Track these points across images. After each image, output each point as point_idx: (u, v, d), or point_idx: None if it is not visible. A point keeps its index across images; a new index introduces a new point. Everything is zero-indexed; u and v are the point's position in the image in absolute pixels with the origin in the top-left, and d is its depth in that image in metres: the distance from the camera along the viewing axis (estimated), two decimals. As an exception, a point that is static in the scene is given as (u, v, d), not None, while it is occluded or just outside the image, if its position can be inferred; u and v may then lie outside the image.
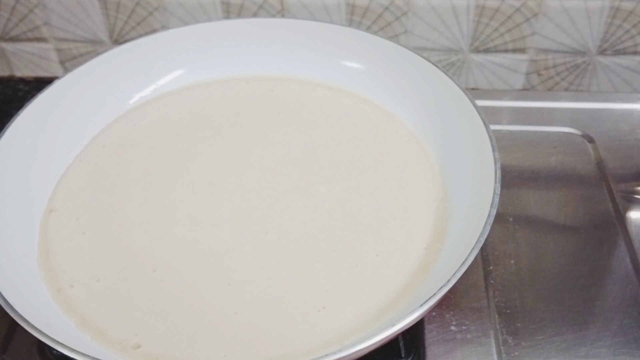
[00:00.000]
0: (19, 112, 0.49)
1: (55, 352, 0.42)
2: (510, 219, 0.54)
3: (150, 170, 0.51)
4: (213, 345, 0.40)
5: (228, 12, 0.67)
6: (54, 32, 0.70)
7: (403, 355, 0.45)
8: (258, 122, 0.55)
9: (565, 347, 0.45)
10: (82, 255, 0.45)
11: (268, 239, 0.46)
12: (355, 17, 0.67)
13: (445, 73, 0.52)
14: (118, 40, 0.70)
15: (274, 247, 0.45)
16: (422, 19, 0.66)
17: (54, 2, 0.67)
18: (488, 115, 0.48)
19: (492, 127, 0.47)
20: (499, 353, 0.45)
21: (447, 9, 0.65)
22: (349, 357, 0.36)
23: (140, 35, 0.62)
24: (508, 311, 0.47)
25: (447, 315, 0.47)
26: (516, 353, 0.45)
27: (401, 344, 0.45)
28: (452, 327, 0.46)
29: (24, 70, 0.74)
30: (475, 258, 0.39)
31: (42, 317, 0.39)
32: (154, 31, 0.67)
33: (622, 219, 0.53)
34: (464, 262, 0.38)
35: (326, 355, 0.35)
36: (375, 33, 0.64)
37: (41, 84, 0.53)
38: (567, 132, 0.61)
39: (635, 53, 0.67)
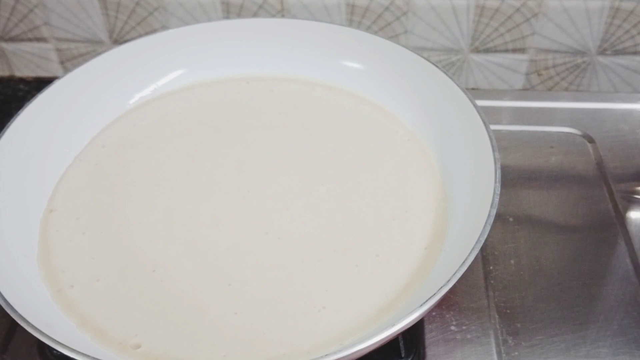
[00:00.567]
0: (19, 112, 0.49)
1: (55, 352, 0.42)
2: (510, 219, 0.54)
3: (150, 170, 0.51)
4: (213, 345, 0.40)
5: (228, 12, 0.67)
6: (54, 32, 0.70)
7: (403, 355, 0.45)
8: (258, 122, 0.55)
9: (565, 347, 0.45)
10: (82, 255, 0.45)
11: (268, 239, 0.46)
12: (355, 17, 0.67)
13: (445, 73, 0.52)
14: (118, 40, 0.70)
15: (274, 247, 0.45)
16: (422, 19, 0.66)
17: (54, 2, 0.67)
18: (488, 115, 0.48)
19: (492, 127, 0.47)
20: (499, 353, 0.45)
21: (447, 9, 0.65)
22: (349, 357, 0.36)
23: (140, 35, 0.62)
24: (508, 311, 0.47)
25: (447, 315, 0.47)
26: (516, 353, 0.45)
27: (401, 344, 0.45)
28: (452, 327, 0.46)
29: (24, 70, 0.74)
30: (475, 258, 0.39)
31: (42, 317, 0.39)
32: (154, 31, 0.67)
33: (622, 219, 0.53)
34: (464, 262, 0.38)
35: (326, 355, 0.35)
36: (375, 33, 0.65)
37: (41, 84, 0.53)
38: (567, 132, 0.61)
39: (635, 53, 0.67)
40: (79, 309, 0.42)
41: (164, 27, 0.68)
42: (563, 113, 0.63)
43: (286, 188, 0.49)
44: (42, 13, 0.68)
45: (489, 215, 0.41)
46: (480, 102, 0.50)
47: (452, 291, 0.39)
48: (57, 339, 0.36)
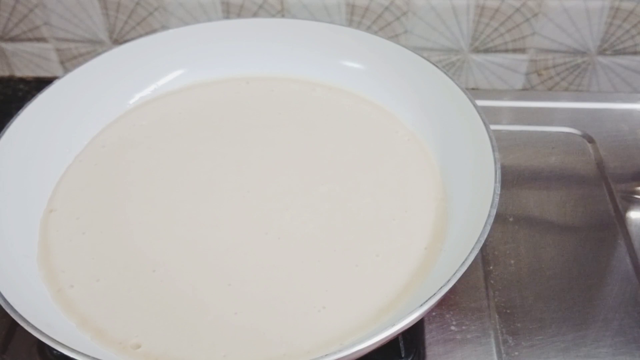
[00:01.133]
0: (19, 112, 0.49)
1: (55, 352, 0.42)
2: (510, 219, 0.54)
3: (150, 170, 0.51)
4: (213, 345, 0.40)
5: (228, 12, 0.67)
6: (54, 32, 0.70)
7: (403, 355, 0.45)
8: (258, 122, 0.55)
9: (565, 347, 0.45)
10: (82, 255, 0.45)
11: (268, 239, 0.46)
12: (355, 17, 0.67)
13: (445, 73, 0.52)
14: (118, 40, 0.70)
15: (274, 247, 0.45)
16: (422, 19, 0.66)
17: (54, 2, 0.67)
18: (488, 115, 0.48)
19: (492, 127, 0.47)
20: (499, 353, 0.45)
21: (447, 9, 0.65)
22: (349, 357, 0.36)
23: (140, 35, 0.62)
24: (508, 311, 0.47)
25: (447, 315, 0.47)
26: (516, 353, 0.45)
27: (401, 344, 0.45)
28: (452, 327, 0.46)
29: (24, 70, 0.74)
30: (475, 258, 0.39)
31: (42, 317, 0.39)
32: (154, 31, 0.67)
33: (622, 219, 0.53)
34: (464, 262, 0.38)
35: (326, 355, 0.35)
36: (375, 33, 0.65)
37: (41, 84, 0.53)
38: (567, 132, 0.61)
39: (635, 53, 0.67)
40: (79, 309, 0.42)
41: (164, 27, 0.68)
42: (563, 113, 0.63)
43: (286, 188, 0.49)
44: (42, 13, 0.68)
45: (489, 215, 0.41)
46: (480, 102, 0.50)
47: (452, 291, 0.39)
48: (57, 339, 0.36)
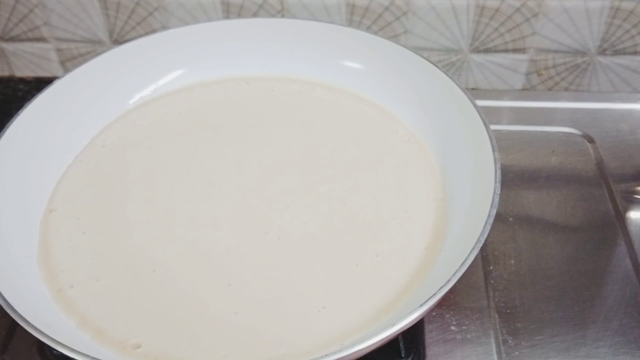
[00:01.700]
0: (19, 112, 0.49)
1: (55, 352, 0.42)
2: (510, 219, 0.54)
3: (150, 170, 0.51)
4: (213, 345, 0.40)
5: (228, 12, 0.67)
6: (54, 32, 0.70)
7: (403, 355, 0.45)
8: (258, 122, 0.55)
9: (565, 347, 0.45)
10: (82, 255, 0.45)
11: (268, 239, 0.46)
12: (355, 17, 0.67)
13: (445, 73, 0.52)
14: (118, 40, 0.70)
15: (274, 247, 0.45)
16: (422, 19, 0.66)
17: (54, 2, 0.67)
18: (488, 115, 0.48)
19: (492, 127, 0.47)
20: (499, 353, 0.45)
21: (447, 9, 0.65)
22: (349, 357, 0.36)
23: (140, 35, 0.62)
24: (508, 311, 0.47)
25: (447, 315, 0.47)
26: (516, 353, 0.45)
27: (401, 344, 0.45)
28: (452, 327, 0.46)
29: (24, 70, 0.74)
30: (475, 258, 0.39)
31: (42, 317, 0.39)
32: (154, 31, 0.67)
33: (622, 219, 0.53)
34: (464, 262, 0.38)
35: (326, 355, 0.35)
36: (375, 33, 0.65)
37: (41, 84, 0.53)
38: (567, 132, 0.61)
39: (635, 53, 0.67)
40: (79, 309, 0.42)
41: (164, 27, 0.68)
42: (563, 113, 0.63)
43: (286, 188, 0.49)
44: (42, 13, 0.68)
45: (489, 215, 0.41)
46: (480, 102, 0.50)
47: (452, 291, 0.39)
48: (57, 339, 0.36)
